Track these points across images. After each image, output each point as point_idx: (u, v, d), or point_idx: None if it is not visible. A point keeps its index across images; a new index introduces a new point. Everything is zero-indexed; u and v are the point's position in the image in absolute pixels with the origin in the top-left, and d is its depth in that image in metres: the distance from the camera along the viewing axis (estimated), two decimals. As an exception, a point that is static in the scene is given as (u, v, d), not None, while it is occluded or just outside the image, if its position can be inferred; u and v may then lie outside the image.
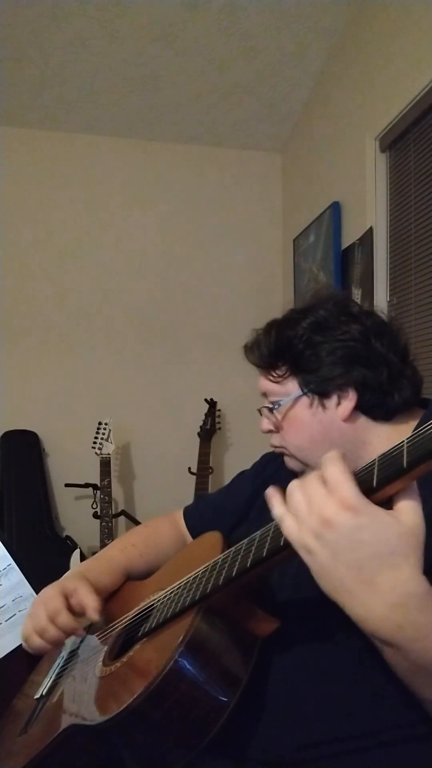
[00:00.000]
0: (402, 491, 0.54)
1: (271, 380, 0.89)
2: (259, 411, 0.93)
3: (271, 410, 0.89)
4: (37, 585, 1.12)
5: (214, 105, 2.92)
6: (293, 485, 0.58)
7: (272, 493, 0.60)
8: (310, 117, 2.89)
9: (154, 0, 2.28)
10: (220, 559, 0.73)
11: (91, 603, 0.87)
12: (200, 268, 3.23)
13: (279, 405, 0.88)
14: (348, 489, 0.52)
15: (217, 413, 3.01)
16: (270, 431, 0.92)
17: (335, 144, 2.59)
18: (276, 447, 0.93)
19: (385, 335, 0.85)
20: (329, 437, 0.84)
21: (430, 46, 1.83)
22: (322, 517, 0.53)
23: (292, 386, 0.86)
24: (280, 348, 0.86)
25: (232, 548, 0.72)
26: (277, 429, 0.90)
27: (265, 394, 0.91)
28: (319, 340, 0.83)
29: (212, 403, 3.01)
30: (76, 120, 3.00)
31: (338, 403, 0.83)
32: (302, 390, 0.85)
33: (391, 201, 2.20)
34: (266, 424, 0.92)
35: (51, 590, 0.90)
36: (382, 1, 2.14)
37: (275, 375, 0.88)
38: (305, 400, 0.85)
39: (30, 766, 0.74)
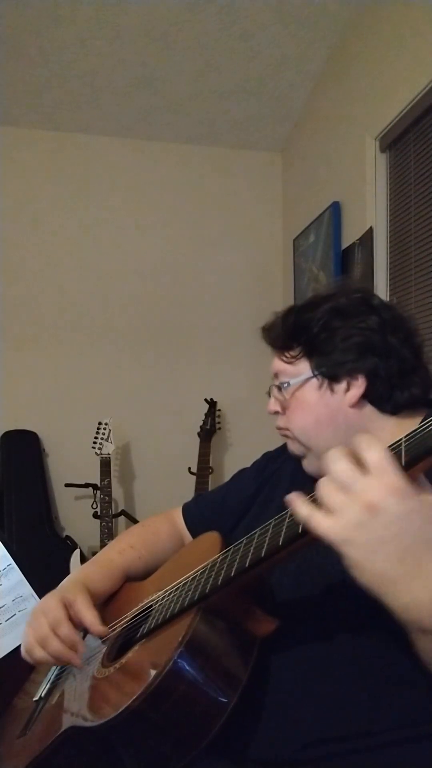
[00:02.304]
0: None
1: (284, 360, 0.89)
2: (268, 392, 0.94)
3: (280, 390, 0.90)
4: (37, 585, 1.12)
5: (214, 105, 2.91)
6: (321, 480, 0.55)
7: (293, 498, 0.58)
8: (310, 117, 2.89)
9: (154, 0, 2.28)
10: (218, 559, 0.73)
11: (89, 618, 0.85)
12: (200, 268, 3.23)
13: (288, 384, 0.88)
14: (395, 472, 0.51)
15: (217, 413, 3.01)
16: (276, 412, 0.92)
17: (335, 144, 2.58)
18: (280, 429, 0.93)
19: (401, 331, 0.86)
20: (335, 422, 0.85)
21: (430, 46, 1.83)
22: (368, 502, 0.51)
23: (304, 367, 0.87)
24: (297, 329, 0.88)
25: (231, 548, 0.72)
26: (284, 409, 0.91)
27: (276, 375, 0.92)
28: (337, 326, 0.84)
29: (212, 403, 3.01)
30: (76, 120, 3.00)
31: (347, 389, 0.84)
32: (313, 372, 0.86)
33: (391, 201, 2.20)
34: (273, 404, 0.92)
35: (51, 600, 0.88)
36: (382, 2, 2.14)
37: (288, 355, 0.89)
38: (315, 382, 0.86)
39: (30, 767, 0.74)
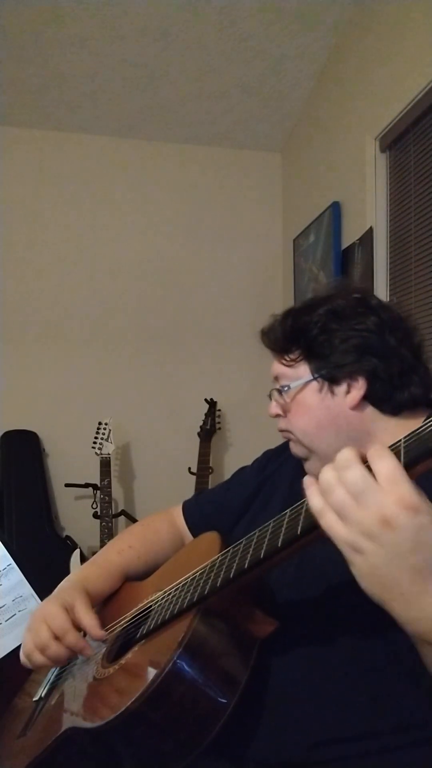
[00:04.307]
0: None
1: (283, 363, 0.89)
2: (269, 395, 0.94)
3: (280, 393, 0.90)
4: (37, 585, 1.12)
5: (214, 105, 2.91)
6: (329, 476, 0.53)
7: (310, 482, 0.56)
8: (310, 117, 2.89)
9: (154, 0, 2.28)
10: (218, 560, 0.73)
11: (89, 622, 0.84)
12: (200, 268, 3.23)
13: (288, 388, 0.88)
14: (408, 486, 0.50)
15: (217, 413, 3.01)
16: (278, 415, 0.92)
17: (335, 144, 2.58)
18: (282, 431, 0.93)
19: (399, 330, 0.85)
20: (336, 424, 0.85)
21: (430, 46, 1.82)
22: (381, 515, 0.50)
23: (304, 371, 0.87)
24: (296, 332, 0.87)
25: (230, 549, 0.72)
26: (285, 413, 0.91)
27: (276, 378, 0.92)
28: (335, 328, 0.84)
29: (212, 403, 3.01)
30: (76, 120, 3.00)
31: (347, 391, 0.84)
32: (313, 375, 0.86)
33: (391, 201, 2.20)
34: (274, 407, 0.92)
35: (52, 606, 0.86)
36: (381, 1, 2.13)
37: (288, 359, 0.89)
38: (315, 385, 0.86)
39: (30, 767, 0.74)
